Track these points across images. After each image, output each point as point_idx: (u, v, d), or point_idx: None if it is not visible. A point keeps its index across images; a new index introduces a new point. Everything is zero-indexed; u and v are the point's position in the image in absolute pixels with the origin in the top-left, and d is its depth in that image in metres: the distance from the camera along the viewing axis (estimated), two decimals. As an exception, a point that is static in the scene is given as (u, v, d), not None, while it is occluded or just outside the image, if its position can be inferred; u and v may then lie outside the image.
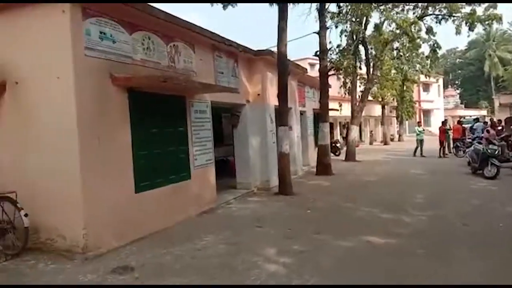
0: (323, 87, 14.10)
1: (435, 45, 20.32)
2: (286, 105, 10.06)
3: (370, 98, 31.92)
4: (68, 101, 5.25)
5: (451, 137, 19.98)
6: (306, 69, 13.99)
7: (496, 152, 11.62)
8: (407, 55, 32.51)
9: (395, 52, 31.96)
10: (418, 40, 22.20)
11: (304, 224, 6.85)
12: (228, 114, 11.47)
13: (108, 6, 5.87)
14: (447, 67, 66.65)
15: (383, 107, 32.28)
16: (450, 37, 78.93)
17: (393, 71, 31.65)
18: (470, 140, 16.41)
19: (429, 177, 12.57)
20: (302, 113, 16.12)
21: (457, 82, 69.73)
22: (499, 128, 16.84)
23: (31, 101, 5.58)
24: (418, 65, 34.11)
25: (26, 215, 5.05)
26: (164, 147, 7.06)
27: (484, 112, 50.87)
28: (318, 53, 13.96)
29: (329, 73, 14.12)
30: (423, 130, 21.24)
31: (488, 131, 12.61)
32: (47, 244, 5.42)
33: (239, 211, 8.21)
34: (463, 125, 20.83)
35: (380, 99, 31.01)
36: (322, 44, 13.94)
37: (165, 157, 7.06)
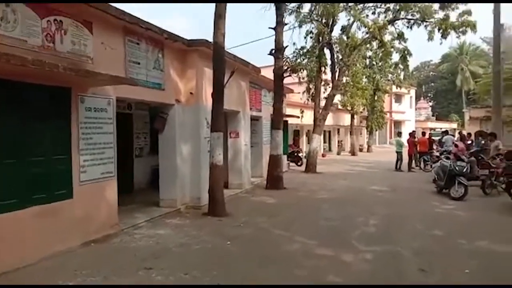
0: (278, 90, 12.48)
1: (406, 51, 19.13)
2: (221, 106, 8.35)
3: (339, 107, 30.84)
4: None
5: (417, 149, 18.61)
6: (259, 69, 12.34)
7: (465, 169, 10.24)
8: (379, 64, 31.76)
9: (367, 60, 31.22)
10: (388, 47, 21.12)
11: (210, 265, 5.11)
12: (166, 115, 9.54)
13: None
14: (421, 79, 66.69)
15: (352, 117, 31.08)
16: (425, 49, 79.73)
17: (364, 79, 30.61)
18: (438, 154, 15.13)
19: (389, 195, 11.08)
20: (257, 119, 14.54)
21: (429, 94, 69.98)
22: (469, 142, 15.70)
23: None
24: (390, 75, 33.32)
25: None
26: (26, 156, 5.17)
27: (454, 125, 50.83)
28: (273, 51, 12.35)
29: (285, 75, 12.49)
30: (403, 143, 19.10)
31: (456, 146, 11.23)
32: None
33: (141, 240, 6.38)
34: (432, 138, 19.63)
35: (349, 108, 29.80)
36: (278, 41, 12.34)
37: (27, 169, 5.17)
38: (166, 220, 7.76)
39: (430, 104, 67.81)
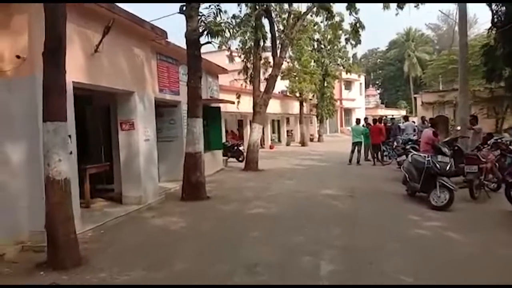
0: (193, 62, 8.99)
1: (358, 24, 16.32)
2: (59, 75, 4.71)
3: (288, 93, 27.85)
4: None
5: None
6: (166, 33, 8.77)
7: (448, 167, 7.38)
8: (328, 47, 29.27)
9: (315, 43, 28.61)
10: (337, 21, 18.43)
11: None
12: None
13: None
14: (369, 67, 66.12)
15: (301, 104, 28.24)
16: (374, 37, 79.34)
17: (313, 63, 27.88)
18: (401, 145, 12.40)
19: (347, 206, 7.97)
20: (175, 105, 11.08)
21: (377, 82, 69.51)
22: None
23: None
24: (339, 59, 30.97)
25: None
26: None
27: (403, 112, 49.96)
28: (184, 8, 8.84)
29: (203, 41, 9.00)
30: (366, 128, 15.69)
31: (436, 134, 8.30)
32: None
33: None
34: (387, 125, 16.91)
35: (298, 95, 26.89)
36: (191, -6, 8.83)
37: None
38: None
39: (378, 91, 67.32)
